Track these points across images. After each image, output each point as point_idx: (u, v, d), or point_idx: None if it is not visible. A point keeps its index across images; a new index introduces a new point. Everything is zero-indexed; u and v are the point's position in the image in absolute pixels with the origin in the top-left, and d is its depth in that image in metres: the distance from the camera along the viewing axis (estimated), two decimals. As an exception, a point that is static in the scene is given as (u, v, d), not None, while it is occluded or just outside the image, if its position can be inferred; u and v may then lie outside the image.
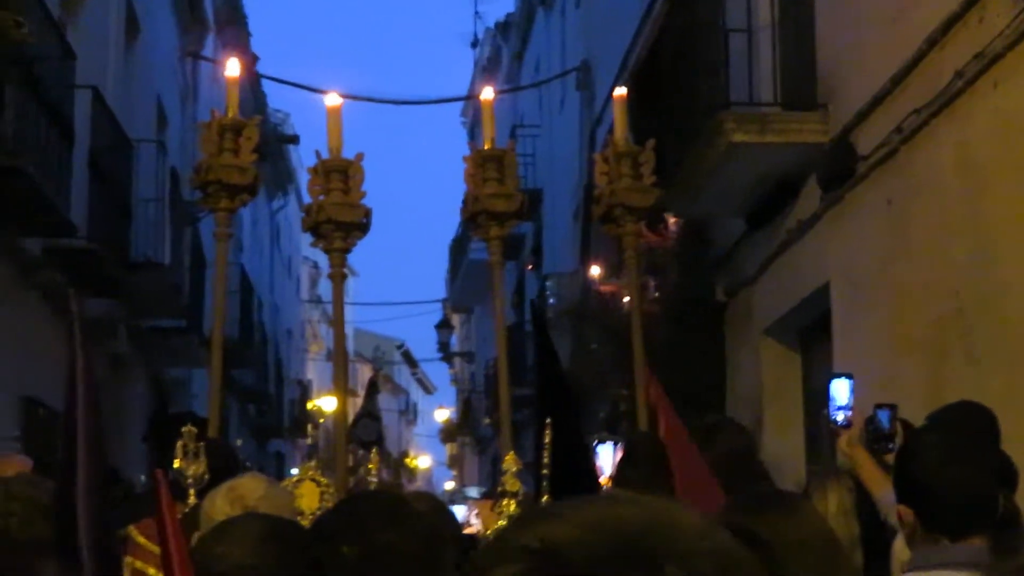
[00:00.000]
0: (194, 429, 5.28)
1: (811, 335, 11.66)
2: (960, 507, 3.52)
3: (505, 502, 4.04)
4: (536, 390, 4.22)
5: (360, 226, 6.03)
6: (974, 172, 8.12)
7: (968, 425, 3.81)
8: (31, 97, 11.74)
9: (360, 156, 6.05)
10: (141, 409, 18.56)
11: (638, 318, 6.51)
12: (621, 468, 4.14)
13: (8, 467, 6.21)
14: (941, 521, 3.53)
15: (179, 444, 5.18)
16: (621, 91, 6.73)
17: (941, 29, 8.43)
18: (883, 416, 6.52)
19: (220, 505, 3.84)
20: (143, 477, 13.07)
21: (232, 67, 6.40)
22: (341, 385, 6.22)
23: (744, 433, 5.54)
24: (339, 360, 6.37)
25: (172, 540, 2.61)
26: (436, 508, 4.60)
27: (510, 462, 4.29)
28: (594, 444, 4.18)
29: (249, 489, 3.89)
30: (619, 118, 6.64)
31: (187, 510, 4.59)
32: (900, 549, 4.68)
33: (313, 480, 4.68)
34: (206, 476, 5.00)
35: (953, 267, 8.37)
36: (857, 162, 9.88)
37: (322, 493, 4.64)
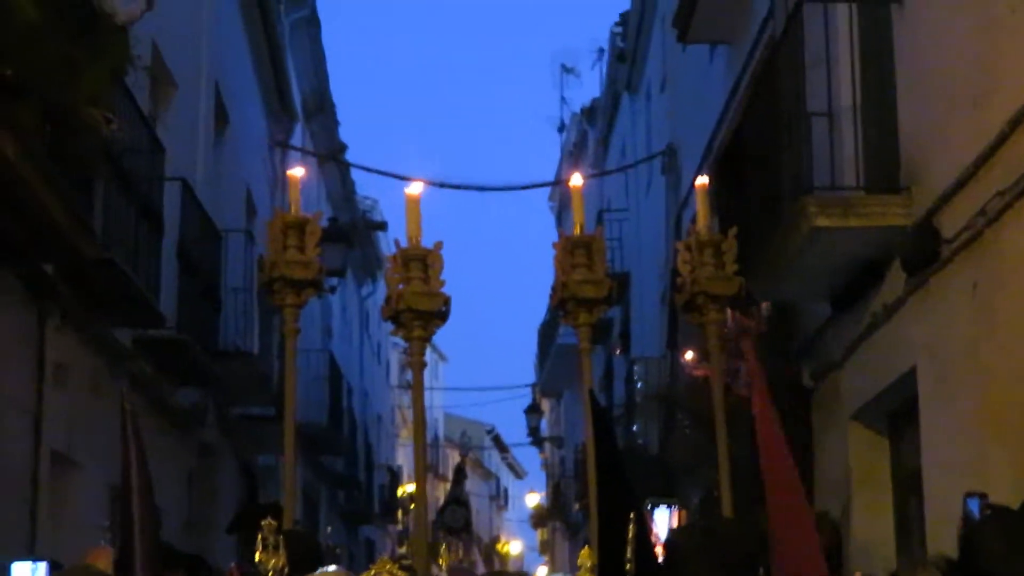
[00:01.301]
0: (274, 522, 5.31)
1: (900, 419, 11.55)
2: None
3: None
4: (597, 476, 4.20)
5: (439, 314, 6.07)
6: (1059, 254, 8.05)
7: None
8: (121, 190, 11.94)
9: (439, 245, 6.10)
10: (231, 497, 18.68)
11: (720, 407, 6.49)
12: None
13: (98, 558, 6.26)
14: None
15: (259, 537, 5.21)
16: (703, 180, 6.74)
17: (1024, 111, 8.38)
18: (973, 505, 6.44)
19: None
20: (233, 566, 13.11)
21: (296, 169, 6.51)
22: (420, 471, 6.25)
23: (836, 532, 5.46)
24: (419, 446, 6.39)
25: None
26: None
27: (585, 557, 4.28)
28: (649, 508, 4.15)
29: (332, 582, 3.91)
30: (701, 206, 6.67)
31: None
32: None
33: (390, 573, 4.69)
34: (286, 569, 5.02)
35: (1041, 351, 8.29)
36: (941, 245, 9.82)
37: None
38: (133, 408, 3.37)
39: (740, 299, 7.12)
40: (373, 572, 4.91)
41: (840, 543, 5.27)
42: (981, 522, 4.02)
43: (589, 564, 4.16)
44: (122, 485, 3.24)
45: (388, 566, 4.82)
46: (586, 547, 4.36)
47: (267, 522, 5.20)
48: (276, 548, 5.10)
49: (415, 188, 6.11)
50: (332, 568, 4.11)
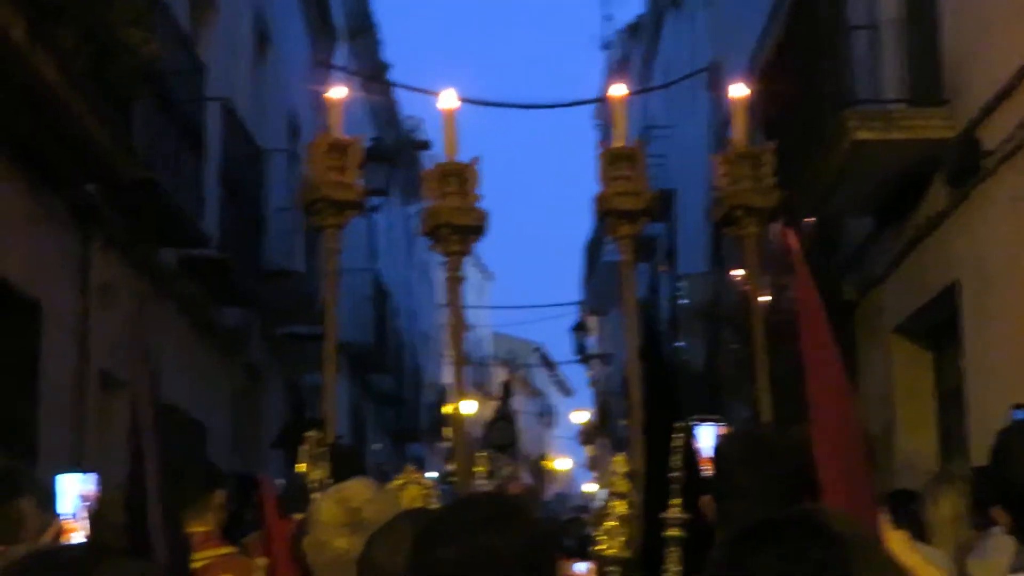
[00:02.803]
0: (318, 435, 5.36)
1: (942, 333, 11.54)
2: None
3: (614, 503, 4.06)
4: (642, 384, 4.21)
5: (476, 229, 6.08)
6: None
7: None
8: (162, 111, 11.97)
9: (475, 160, 6.10)
10: (278, 416, 18.82)
11: (759, 320, 6.48)
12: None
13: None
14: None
15: (302, 449, 5.26)
16: (741, 92, 6.69)
17: (1066, 21, 8.32)
18: (1020, 415, 6.43)
19: (327, 508, 3.91)
20: (282, 481, 13.24)
21: (336, 91, 6.50)
22: (459, 387, 6.29)
23: (870, 444, 5.42)
24: (457, 362, 6.43)
25: (276, 539, 2.68)
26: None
27: (619, 463, 4.31)
28: (692, 427, 4.18)
29: (356, 492, 3.95)
30: (739, 119, 6.62)
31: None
32: (994, 548, 4.64)
33: (416, 483, 4.74)
34: (329, 481, 5.07)
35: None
36: (983, 157, 9.77)
37: (425, 496, 4.69)
38: (138, 321, 3.40)
39: (779, 212, 7.10)
40: (400, 482, 4.96)
41: (873, 455, 5.24)
42: (1010, 430, 4.01)
43: (622, 470, 4.18)
44: (131, 403, 3.28)
45: (414, 476, 4.88)
46: (621, 454, 4.39)
47: (311, 434, 5.25)
48: (319, 460, 5.16)
49: (449, 102, 6.10)
50: (357, 479, 4.16)
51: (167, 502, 3.19)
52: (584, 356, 48.48)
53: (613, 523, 4.09)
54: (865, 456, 4.44)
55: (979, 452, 9.32)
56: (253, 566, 4.90)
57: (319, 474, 5.22)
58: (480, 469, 5.71)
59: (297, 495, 5.37)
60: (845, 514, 3.02)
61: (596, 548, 4.07)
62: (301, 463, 5.32)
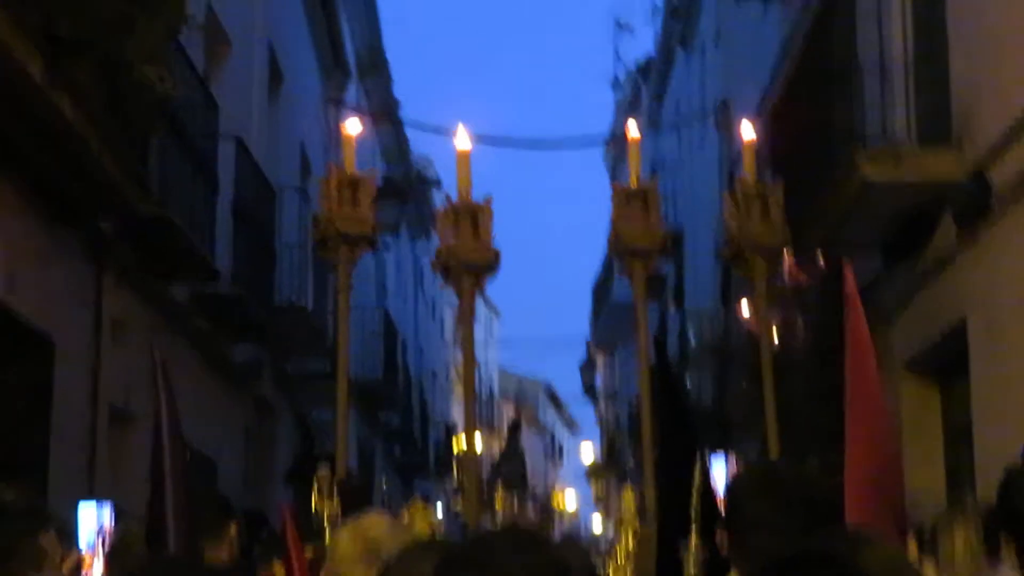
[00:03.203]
0: (329, 471, 5.40)
1: (951, 370, 11.57)
2: None
3: (623, 536, 4.10)
4: (656, 418, 4.25)
5: (489, 267, 6.13)
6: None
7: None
8: (176, 148, 12.06)
9: (489, 199, 6.17)
10: (288, 451, 18.86)
11: (768, 356, 6.54)
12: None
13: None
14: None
15: (315, 486, 5.31)
16: (750, 133, 6.76)
17: (1074, 61, 8.38)
18: (1025, 456, 6.43)
19: (345, 540, 3.95)
20: (285, 505, 13.26)
21: (351, 126, 6.56)
22: (470, 422, 6.33)
23: None
24: (468, 398, 6.47)
25: (297, 570, 2.73)
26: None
27: (629, 497, 4.35)
28: (708, 460, 4.21)
29: (373, 525, 4.00)
30: (748, 158, 6.69)
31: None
32: None
33: (423, 517, 4.79)
34: (339, 516, 5.12)
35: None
36: (992, 197, 9.82)
37: (431, 529, 4.73)
38: (163, 359, 3.45)
39: (788, 251, 7.16)
40: (407, 515, 5.00)
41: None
42: (1019, 465, 4.06)
43: (633, 505, 4.22)
44: (153, 438, 3.34)
45: (420, 505, 4.93)
46: (628, 489, 4.43)
47: (322, 470, 5.30)
48: (330, 496, 5.20)
49: (465, 143, 6.16)
50: (374, 512, 4.21)
51: (188, 533, 3.24)
52: (592, 394, 48.51)
53: (623, 555, 4.13)
54: (898, 489, 4.49)
55: (987, 489, 9.35)
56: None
57: (330, 509, 5.27)
58: (498, 506, 5.75)
59: (308, 530, 5.42)
60: (880, 543, 3.06)
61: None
62: (313, 498, 5.37)
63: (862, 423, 4.39)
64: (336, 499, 5.27)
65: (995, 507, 3.96)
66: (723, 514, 3.91)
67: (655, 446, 5.49)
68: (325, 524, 5.22)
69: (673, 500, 3.79)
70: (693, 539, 3.74)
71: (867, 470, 4.33)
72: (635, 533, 4.08)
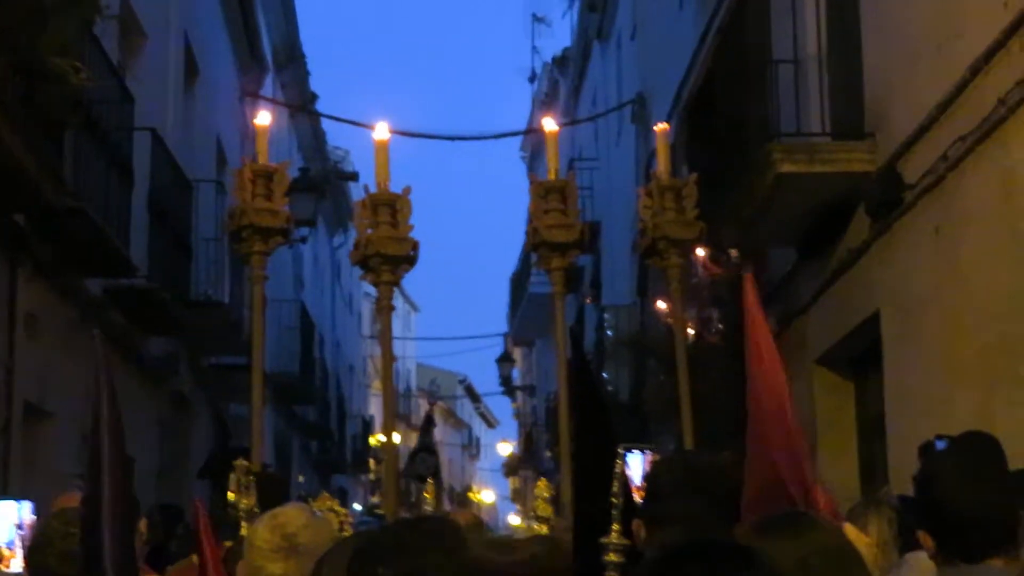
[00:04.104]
0: (246, 463, 5.39)
1: (864, 363, 11.69)
2: (975, 529, 3.55)
3: (537, 527, 4.12)
4: (572, 410, 4.26)
5: (408, 259, 6.14)
6: (1019, 198, 8.16)
7: (981, 449, 3.84)
8: (91, 140, 11.96)
9: (407, 190, 6.17)
10: (205, 446, 18.76)
11: (682, 349, 6.59)
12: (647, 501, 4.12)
13: (67, 504, 6.32)
14: (958, 544, 3.57)
15: (231, 477, 5.29)
16: (663, 125, 6.82)
17: (984, 57, 8.48)
18: (942, 446, 6.50)
19: (262, 533, 3.94)
20: (198, 500, 13.20)
21: (262, 117, 6.54)
22: (389, 417, 6.33)
23: None
24: (387, 392, 6.47)
25: (211, 564, 2.73)
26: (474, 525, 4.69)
27: (542, 488, 4.38)
28: (623, 454, 4.21)
29: (291, 518, 4.00)
30: (662, 152, 6.74)
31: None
32: (908, 571, 4.73)
33: (332, 511, 4.79)
34: (256, 508, 5.11)
35: (1001, 294, 8.40)
36: (905, 190, 9.93)
37: (340, 523, 4.74)
38: (105, 346, 3.43)
39: (701, 244, 7.21)
40: (315, 506, 5.00)
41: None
42: (936, 455, 4.11)
43: (547, 495, 4.24)
44: (92, 429, 3.32)
45: (329, 503, 4.93)
46: (542, 479, 4.45)
47: (239, 463, 5.29)
48: (247, 488, 5.19)
49: (382, 133, 6.17)
50: (292, 504, 4.21)
51: (123, 532, 3.23)
52: (509, 388, 48.54)
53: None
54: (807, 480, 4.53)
55: (900, 480, 9.46)
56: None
57: (247, 502, 5.25)
58: (428, 496, 5.76)
59: (224, 523, 5.41)
60: (825, 527, 3.10)
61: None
62: (230, 491, 5.34)
63: (764, 426, 4.44)
64: (252, 492, 5.26)
65: (912, 499, 4.01)
66: (639, 506, 3.93)
67: (572, 439, 5.51)
68: (241, 517, 5.21)
69: (590, 492, 3.80)
70: (613, 532, 3.75)
71: (768, 470, 4.37)
72: (547, 522, 4.10)
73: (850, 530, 4.84)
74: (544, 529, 4.11)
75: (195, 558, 5.07)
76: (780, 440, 4.34)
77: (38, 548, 4.40)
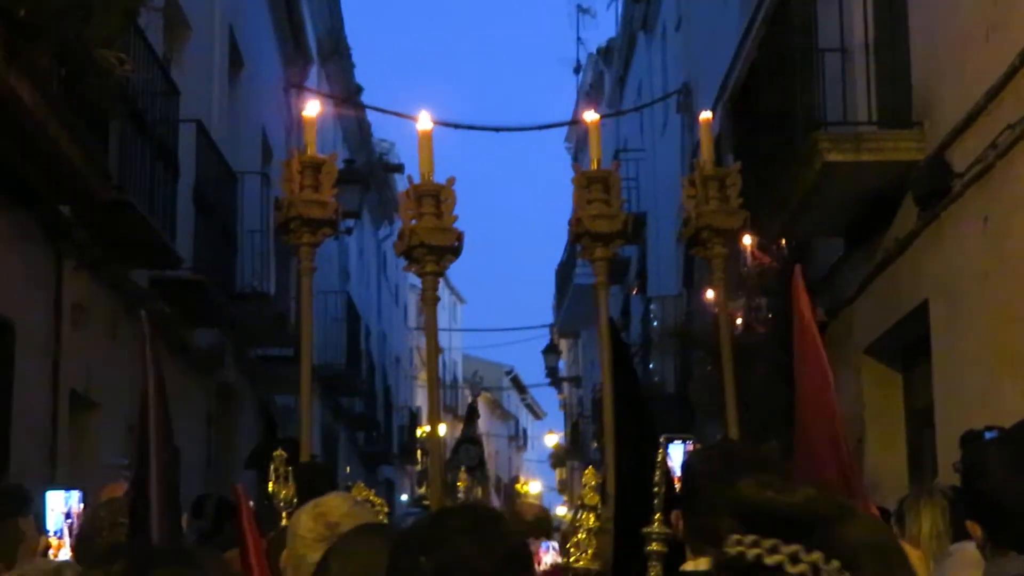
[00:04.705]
0: (284, 453, 5.37)
1: (912, 354, 11.62)
2: None
3: (584, 515, 4.10)
4: (614, 406, 4.25)
5: (453, 249, 6.10)
6: (1069, 187, 8.09)
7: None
8: (136, 133, 12.00)
9: (452, 180, 6.14)
10: (251, 437, 18.81)
11: (727, 339, 6.54)
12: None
13: (114, 494, 6.34)
14: (1009, 534, 3.53)
15: (271, 468, 5.28)
16: (707, 115, 6.76)
17: (1034, 43, 8.41)
18: (990, 436, 6.44)
19: (304, 522, 3.93)
20: (251, 503, 13.24)
21: (311, 108, 6.52)
22: (435, 408, 6.31)
23: None
24: (432, 383, 6.46)
25: (252, 552, 2.71)
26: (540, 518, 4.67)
27: (589, 476, 4.35)
28: (665, 445, 4.17)
29: (333, 507, 3.98)
30: (705, 141, 6.68)
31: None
32: (957, 563, 4.69)
33: (368, 501, 4.77)
34: (295, 499, 5.09)
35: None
36: (953, 179, 9.85)
37: (376, 514, 4.73)
38: (152, 328, 3.41)
39: (747, 233, 7.18)
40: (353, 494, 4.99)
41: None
42: (983, 445, 4.07)
43: (594, 483, 4.22)
44: (140, 414, 3.31)
45: (364, 493, 4.91)
46: (590, 467, 4.43)
47: (278, 454, 5.27)
48: (287, 479, 5.17)
49: (426, 123, 6.13)
50: (334, 493, 4.20)
51: (171, 520, 3.23)
52: (555, 379, 48.54)
53: (583, 535, 4.12)
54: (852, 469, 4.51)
55: (949, 471, 9.39)
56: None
57: (287, 493, 5.24)
58: (461, 484, 5.74)
59: (267, 514, 5.40)
60: (865, 515, 3.07)
61: (566, 560, 4.10)
62: (270, 482, 5.33)
63: (811, 414, 4.42)
64: (292, 482, 5.24)
65: (959, 491, 3.97)
66: (678, 496, 3.91)
67: (615, 430, 5.48)
68: (281, 507, 5.19)
69: (632, 482, 3.78)
70: (656, 522, 3.74)
71: (815, 455, 4.35)
72: (595, 511, 4.07)
73: (910, 551, 4.79)
74: (591, 519, 4.09)
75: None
76: (825, 445, 4.31)
77: (86, 538, 4.41)
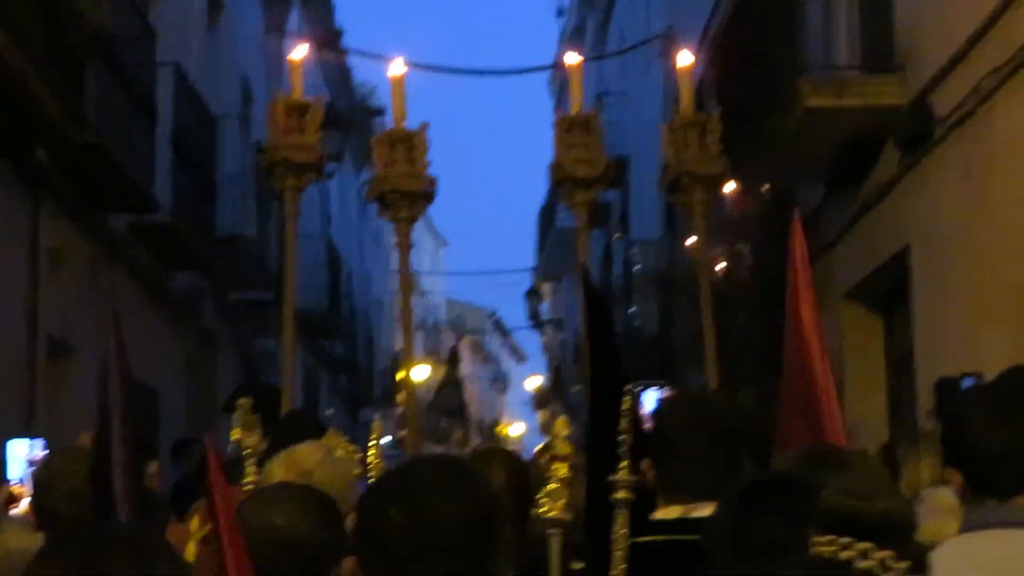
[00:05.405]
0: (248, 402, 5.28)
1: (893, 298, 11.60)
2: (1006, 466, 3.49)
3: (555, 466, 4.08)
4: (589, 352, 4.21)
5: (425, 195, 6.08)
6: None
7: (1014, 386, 3.77)
8: (113, 77, 11.89)
9: (424, 126, 6.10)
10: (231, 382, 18.74)
11: (706, 285, 6.53)
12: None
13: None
14: (988, 481, 3.51)
15: (234, 416, 5.21)
16: (686, 62, 6.72)
17: (1017, -12, 8.35)
18: (970, 383, 6.43)
19: (277, 471, 3.91)
20: (229, 448, 13.21)
21: (297, 51, 6.49)
22: (409, 354, 6.30)
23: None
24: (407, 329, 6.45)
25: (219, 503, 2.66)
26: (514, 467, 4.63)
27: (562, 425, 4.33)
28: (639, 391, 4.17)
29: (306, 456, 3.97)
30: (685, 88, 6.65)
31: (250, 481, 4.60)
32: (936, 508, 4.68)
33: (342, 447, 4.74)
34: (262, 447, 5.03)
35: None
36: (935, 125, 9.81)
37: (350, 459, 4.70)
38: (115, 312, 3.38)
39: (728, 179, 7.13)
40: (324, 444, 4.93)
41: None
42: (966, 393, 4.05)
43: (564, 432, 4.20)
44: (101, 375, 3.28)
45: (336, 439, 4.87)
46: (561, 417, 4.40)
47: (242, 401, 5.19)
48: (252, 427, 5.10)
49: (398, 69, 6.10)
50: (308, 443, 4.17)
51: (133, 471, 3.18)
52: (537, 322, 48.53)
53: (555, 485, 4.10)
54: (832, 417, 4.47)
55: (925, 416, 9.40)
56: (188, 533, 4.89)
57: (253, 440, 5.16)
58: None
59: (237, 462, 5.33)
60: (864, 463, 3.07)
61: (538, 511, 4.08)
62: (235, 430, 5.25)
63: (799, 358, 4.39)
64: (259, 430, 5.16)
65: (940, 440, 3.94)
66: (649, 444, 3.89)
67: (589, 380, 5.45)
68: (248, 456, 5.11)
69: (602, 430, 3.76)
70: (622, 470, 3.72)
71: (800, 399, 4.32)
72: (566, 461, 4.05)
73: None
74: (564, 469, 4.07)
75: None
76: (813, 393, 4.27)
77: (42, 488, 4.37)
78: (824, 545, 2.15)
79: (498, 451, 5.33)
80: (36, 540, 3.96)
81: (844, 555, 2.12)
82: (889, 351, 11.97)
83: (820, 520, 2.24)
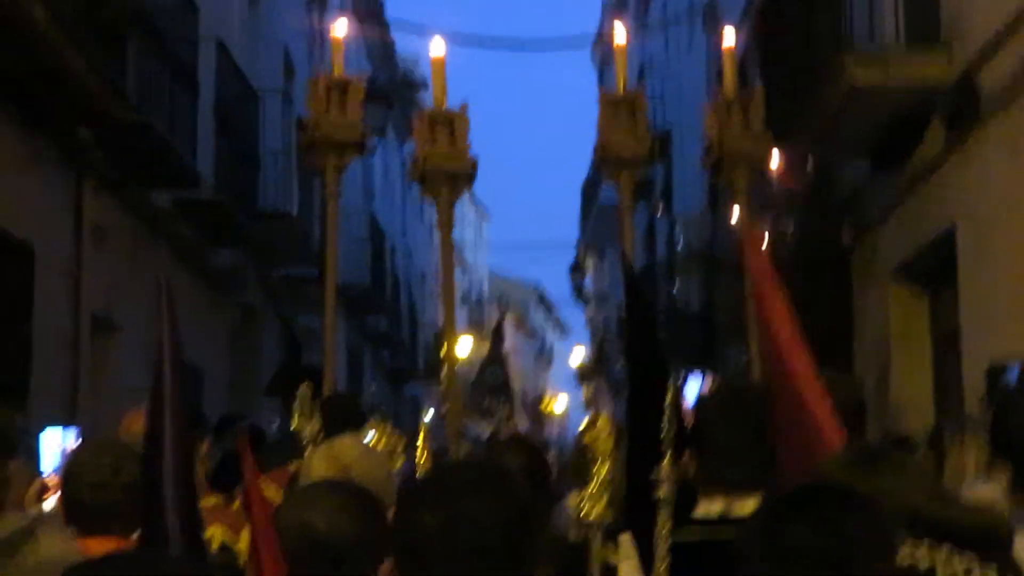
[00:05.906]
0: (309, 390, 5.30)
1: (939, 277, 11.48)
2: None
3: (595, 467, 4.00)
4: (627, 346, 4.15)
5: (466, 176, 6.04)
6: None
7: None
8: (155, 51, 11.88)
9: (465, 107, 6.05)
10: (274, 358, 18.79)
11: (750, 262, 6.45)
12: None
13: (137, 420, 6.28)
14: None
15: (294, 406, 5.22)
16: (729, 43, 6.65)
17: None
18: (1012, 372, 6.33)
19: (317, 464, 3.89)
20: (274, 427, 13.22)
21: (339, 28, 6.44)
22: (450, 331, 6.27)
23: (856, 393, 5.12)
24: (448, 307, 6.41)
25: (253, 499, 2.64)
26: (529, 453, 4.63)
27: (604, 423, 4.25)
28: (681, 384, 4.10)
29: (346, 449, 3.94)
30: (728, 67, 6.58)
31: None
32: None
33: (387, 435, 4.73)
34: (321, 435, 5.04)
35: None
36: (981, 101, 9.68)
37: (395, 448, 4.70)
38: (168, 283, 3.34)
39: (771, 157, 7.05)
40: (374, 436, 4.93)
41: (862, 406, 4.92)
42: (1013, 391, 3.98)
43: (607, 430, 4.11)
44: (155, 358, 3.24)
45: (383, 428, 4.87)
46: (604, 415, 4.32)
47: (303, 389, 5.21)
48: (311, 414, 5.12)
49: (439, 50, 6.05)
50: (348, 435, 4.16)
51: (184, 451, 3.15)
52: (581, 296, 48.46)
53: (595, 487, 4.03)
54: (849, 406, 4.33)
55: (973, 397, 9.31)
56: (243, 517, 4.86)
57: (312, 429, 5.18)
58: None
59: (290, 446, 5.34)
60: (905, 462, 3.03)
61: (581, 515, 4.01)
62: (294, 419, 5.28)
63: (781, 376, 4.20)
64: (318, 417, 5.18)
65: (989, 429, 3.88)
66: (690, 437, 3.84)
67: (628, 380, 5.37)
68: (307, 442, 5.12)
69: (642, 424, 3.70)
70: (664, 466, 3.66)
71: (791, 417, 4.17)
72: (608, 459, 3.98)
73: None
74: (605, 468, 3.99)
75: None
76: (805, 411, 4.12)
77: (69, 480, 4.36)
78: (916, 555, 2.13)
79: (515, 438, 5.38)
80: (71, 549, 3.94)
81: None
82: (935, 330, 11.86)
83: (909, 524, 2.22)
